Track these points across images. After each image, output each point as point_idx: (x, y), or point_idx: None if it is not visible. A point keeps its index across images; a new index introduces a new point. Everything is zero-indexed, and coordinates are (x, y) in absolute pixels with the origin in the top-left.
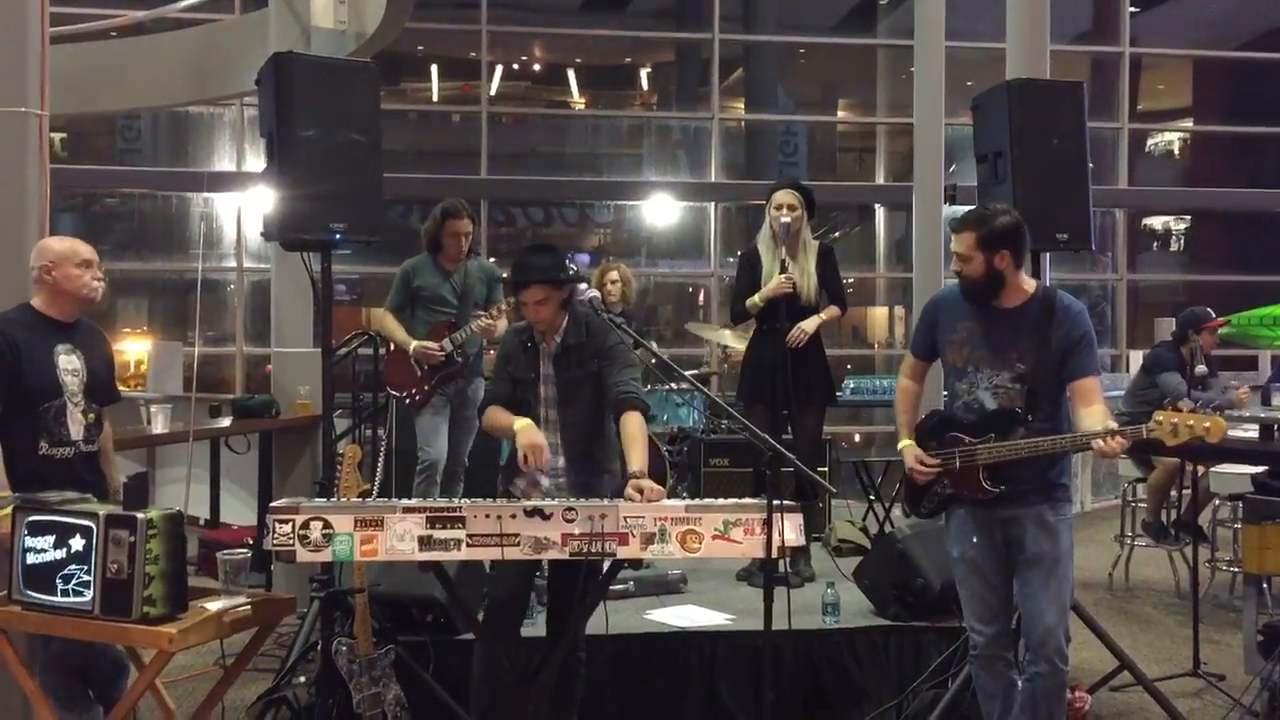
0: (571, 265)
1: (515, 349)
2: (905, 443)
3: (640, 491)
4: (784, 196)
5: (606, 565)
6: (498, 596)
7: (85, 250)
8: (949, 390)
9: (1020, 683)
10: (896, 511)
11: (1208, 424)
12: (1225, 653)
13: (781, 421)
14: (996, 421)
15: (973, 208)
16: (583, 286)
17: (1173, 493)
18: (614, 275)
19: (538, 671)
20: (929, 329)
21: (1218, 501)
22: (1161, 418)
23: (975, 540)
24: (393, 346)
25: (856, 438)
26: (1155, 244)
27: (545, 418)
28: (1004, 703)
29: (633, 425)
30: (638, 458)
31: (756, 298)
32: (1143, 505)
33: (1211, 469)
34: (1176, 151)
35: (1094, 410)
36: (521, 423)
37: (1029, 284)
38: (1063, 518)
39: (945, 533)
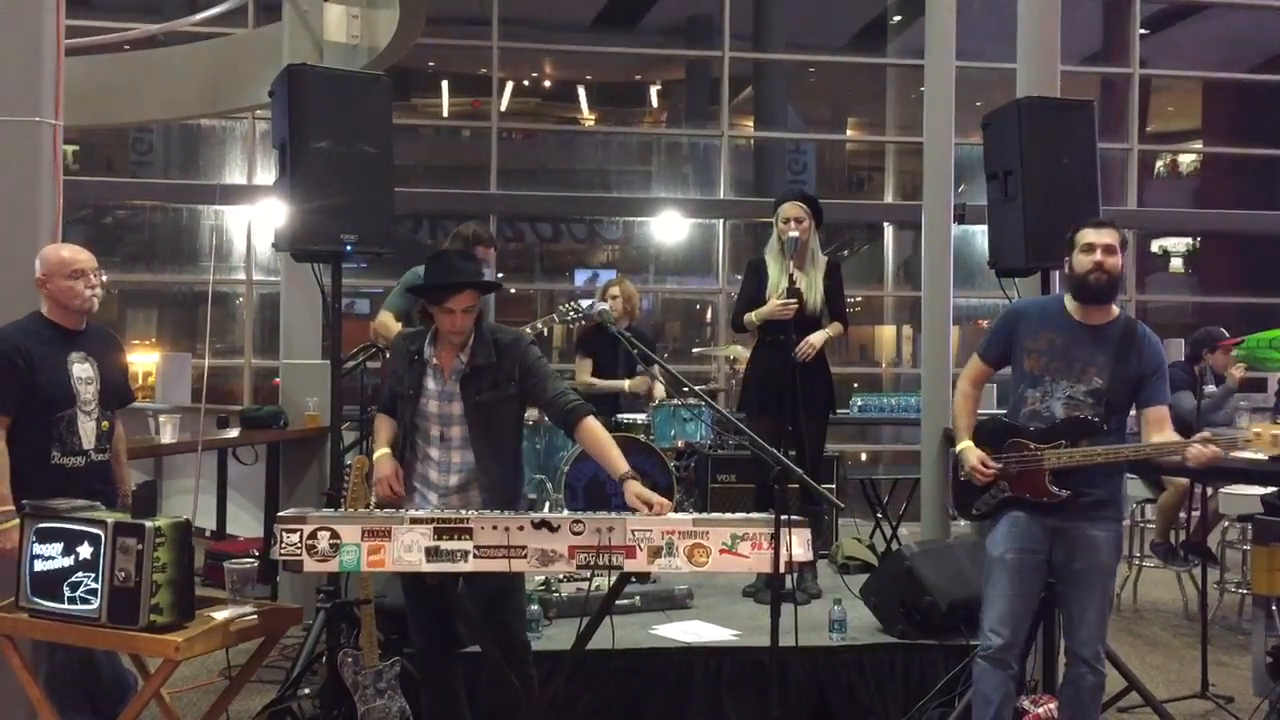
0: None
1: (401, 360)
2: (965, 444)
3: (649, 505)
4: (791, 209)
5: (613, 578)
6: (424, 646)
7: (77, 261)
8: (1017, 397)
9: (1061, 687)
10: (904, 529)
11: None
12: (1234, 675)
13: (788, 435)
14: (1067, 429)
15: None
16: (592, 301)
17: (1181, 514)
18: (615, 291)
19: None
20: (1006, 336)
21: (1227, 523)
22: (1260, 429)
23: (1020, 547)
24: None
25: (864, 456)
26: (1163, 266)
27: (439, 436)
28: (998, 712)
29: (598, 430)
30: (621, 459)
31: (754, 316)
32: (1151, 526)
33: (1221, 490)
34: (1186, 173)
35: (1167, 436)
36: (380, 453)
37: (1114, 307)
38: (1115, 532)
39: (986, 531)
